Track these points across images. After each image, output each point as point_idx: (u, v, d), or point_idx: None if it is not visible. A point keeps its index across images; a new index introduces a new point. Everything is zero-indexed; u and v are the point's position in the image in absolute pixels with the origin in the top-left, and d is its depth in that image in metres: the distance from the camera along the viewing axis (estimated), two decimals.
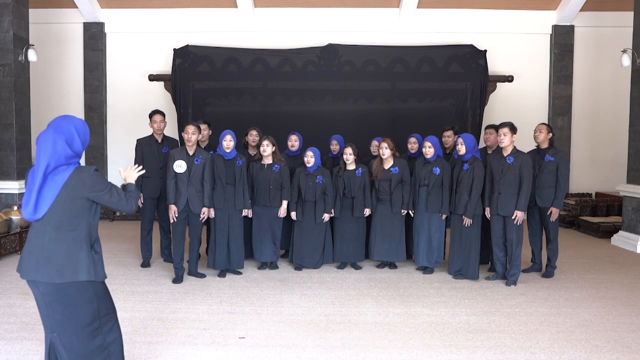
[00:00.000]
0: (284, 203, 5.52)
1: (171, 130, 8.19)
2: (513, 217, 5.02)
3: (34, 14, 8.14)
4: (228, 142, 5.26)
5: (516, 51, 9.48)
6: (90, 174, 2.51)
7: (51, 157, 2.44)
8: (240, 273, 5.48)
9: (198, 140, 5.36)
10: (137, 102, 9.37)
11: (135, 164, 5.69)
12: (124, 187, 2.86)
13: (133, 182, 2.83)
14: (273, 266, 5.71)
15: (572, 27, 9.45)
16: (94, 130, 9.29)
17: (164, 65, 9.39)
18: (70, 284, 2.48)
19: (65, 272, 2.46)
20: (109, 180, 2.84)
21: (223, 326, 4.00)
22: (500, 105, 9.41)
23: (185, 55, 9.15)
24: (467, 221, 5.18)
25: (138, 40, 9.54)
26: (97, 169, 2.60)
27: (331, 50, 9.17)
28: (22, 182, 7.05)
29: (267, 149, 5.42)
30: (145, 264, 5.82)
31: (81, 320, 2.55)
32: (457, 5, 9.32)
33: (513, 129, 5.04)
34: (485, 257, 5.65)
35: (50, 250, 2.46)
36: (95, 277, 2.53)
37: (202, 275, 5.35)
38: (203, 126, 5.78)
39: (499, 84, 9.40)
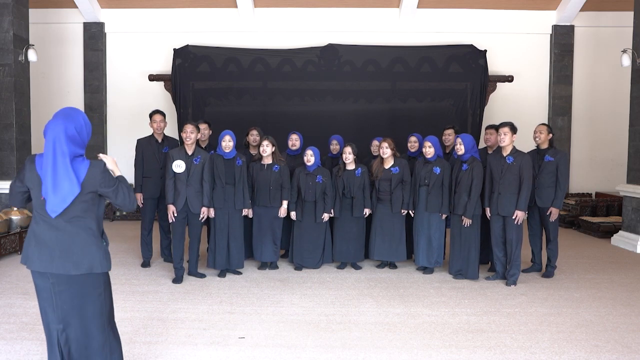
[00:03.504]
0: (284, 203, 5.52)
1: (171, 130, 8.18)
2: (513, 217, 5.03)
3: (34, 14, 8.14)
4: (227, 142, 5.26)
5: (516, 51, 9.49)
6: (101, 170, 2.57)
7: (66, 143, 2.46)
8: (240, 273, 5.48)
9: (197, 140, 5.36)
10: (137, 102, 9.37)
11: (134, 165, 5.77)
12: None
13: (119, 173, 2.68)
14: (273, 266, 5.71)
15: (572, 27, 9.46)
16: (94, 130, 9.27)
17: (164, 65, 9.39)
18: (84, 275, 2.54)
19: (81, 264, 2.52)
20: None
21: (223, 326, 4.00)
22: (500, 105, 9.41)
23: (185, 55, 9.15)
24: (467, 221, 5.18)
25: (138, 40, 9.54)
26: (106, 166, 2.64)
27: (331, 50, 9.17)
28: None
29: (266, 149, 5.42)
30: (146, 264, 5.82)
31: (89, 311, 2.60)
32: (457, 5, 9.32)
33: (513, 128, 5.04)
34: (485, 257, 5.65)
35: (67, 243, 2.51)
36: (107, 268, 2.62)
37: (202, 275, 5.35)
38: (203, 126, 5.78)
39: (499, 84, 9.40)
